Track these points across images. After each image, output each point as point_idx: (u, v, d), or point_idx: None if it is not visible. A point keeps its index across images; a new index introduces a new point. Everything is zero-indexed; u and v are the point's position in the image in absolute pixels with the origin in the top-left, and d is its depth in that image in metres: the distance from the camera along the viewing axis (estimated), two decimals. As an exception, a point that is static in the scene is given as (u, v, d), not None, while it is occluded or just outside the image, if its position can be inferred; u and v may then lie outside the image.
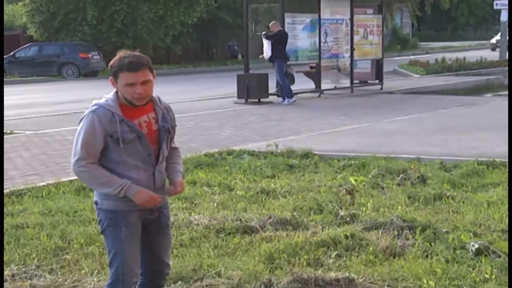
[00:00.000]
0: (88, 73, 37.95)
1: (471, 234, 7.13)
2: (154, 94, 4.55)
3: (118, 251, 4.50)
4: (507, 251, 6.60)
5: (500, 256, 6.49)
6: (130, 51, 4.40)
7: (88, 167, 4.43)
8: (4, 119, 18.39)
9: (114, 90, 4.43)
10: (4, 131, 16.11)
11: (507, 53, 39.61)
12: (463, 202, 8.70)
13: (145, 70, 4.31)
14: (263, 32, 21.28)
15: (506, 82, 28.74)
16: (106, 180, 4.41)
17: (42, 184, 10.30)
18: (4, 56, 38.50)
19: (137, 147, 4.36)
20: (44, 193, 9.73)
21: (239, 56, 39.48)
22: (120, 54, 4.36)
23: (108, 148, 4.37)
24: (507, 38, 41.07)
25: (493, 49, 51.53)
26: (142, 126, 4.40)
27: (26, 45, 40.45)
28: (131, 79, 4.27)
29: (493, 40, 54.67)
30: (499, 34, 43.88)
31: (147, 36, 42.05)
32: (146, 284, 4.73)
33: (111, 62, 4.38)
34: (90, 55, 38.20)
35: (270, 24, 21.58)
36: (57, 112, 21.16)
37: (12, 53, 39.02)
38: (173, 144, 4.71)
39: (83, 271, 6.47)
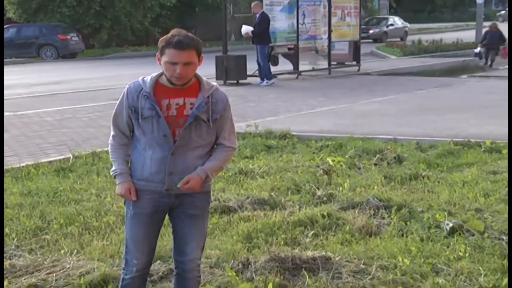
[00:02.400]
0: (67, 54, 37.80)
1: (445, 213, 7.20)
2: (214, 83, 4.46)
3: (125, 228, 4.56)
4: (480, 229, 6.67)
5: (473, 235, 6.55)
6: (185, 31, 4.27)
7: (111, 144, 4.48)
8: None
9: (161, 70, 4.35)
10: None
11: (482, 33, 39.76)
12: (438, 182, 8.77)
13: (191, 51, 4.17)
14: (251, 30, 21.12)
15: (481, 63, 28.94)
16: (112, 161, 4.48)
17: (21, 165, 10.28)
18: (-17, 38, 38.53)
19: (153, 125, 4.26)
20: (23, 174, 9.72)
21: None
22: (173, 31, 4.25)
23: (133, 123, 4.34)
24: (482, 19, 41.24)
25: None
26: (171, 107, 4.27)
27: (4, 27, 40.03)
28: (175, 58, 4.14)
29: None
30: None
31: (125, 18, 41.93)
32: (176, 278, 4.67)
33: (161, 38, 4.30)
34: (68, 37, 38.04)
35: (252, 5, 21.56)
36: (35, 93, 21.03)
37: (-9, 34, 38.78)
38: (222, 140, 4.47)
39: (62, 251, 6.46)
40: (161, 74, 4.33)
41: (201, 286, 4.91)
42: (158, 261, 5.93)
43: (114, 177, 4.48)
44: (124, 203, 4.54)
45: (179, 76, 4.19)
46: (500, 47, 29.81)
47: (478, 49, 30.72)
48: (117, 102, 4.40)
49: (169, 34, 4.22)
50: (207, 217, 4.74)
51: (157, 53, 4.32)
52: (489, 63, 29.40)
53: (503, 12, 68.15)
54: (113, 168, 4.46)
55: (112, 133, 4.45)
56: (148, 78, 4.33)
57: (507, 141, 11.07)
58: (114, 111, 4.41)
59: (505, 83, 21.06)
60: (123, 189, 4.40)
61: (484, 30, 39.66)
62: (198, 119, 4.29)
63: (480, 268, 5.70)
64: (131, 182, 4.41)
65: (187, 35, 4.21)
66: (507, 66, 27.76)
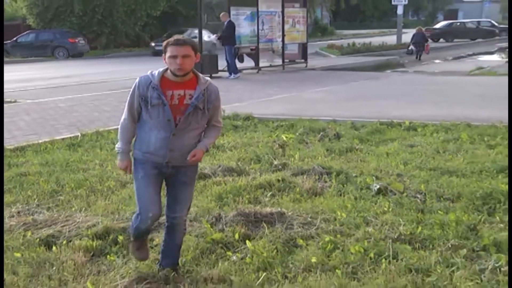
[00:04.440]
0: (75, 54, 37.36)
1: (374, 177, 7.24)
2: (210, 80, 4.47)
3: (137, 190, 4.47)
4: (401, 190, 6.72)
5: (395, 194, 6.60)
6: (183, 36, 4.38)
7: (121, 123, 4.44)
8: (9, 91, 18.12)
9: (166, 66, 4.32)
10: (9, 100, 15.91)
11: (402, 37, 40.05)
12: (368, 153, 8.82)
13: (187, 47, 4.20)
14: (217, 36, 21.10)
15: (402, 61, 29.14)
16: (118, 138, 4.46)
17: (40, 141, 10.20)
18: (8, 41, 38.02)
19: (159, 112, 4.25)
20: (41, 148, 9.64)
21: None
22: (175, 36, 4.31)
23: (142, 109, 4.30)
24: (402, 26, 41.47)
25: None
26: (174, 97, 4.27)
27: (25, 32, 39.64)
28: (175, 51, 4.17)
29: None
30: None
31: (121, 25, 41.71)
32: (166, 230, 4.66)
33: (165, 41, 4.32)
34: (77, 40, 37.70)
35: (221, 14, 21.57)
36: (51, 85, 20.72)
37: (14, 38, 38.49)
38: (214, 122, 4.52)
39: (73, 209, 6.44)
40: (166, 69, 4.32)
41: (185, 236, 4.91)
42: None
43: (117, 153, 4.48)
44: (133, 171, 4.50)
45: (180, 67, 4.20)
46: (424, 44, 30.88)
47: (410, 47, 31.46)
48: (130, 92, 4.37)
49: (171, 38, 4.28)
50: (194, 184, 4.74)
51: (163, 55, 4.33)
52: (417, 57, 30.32)
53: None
54: (118, 145, 4.46)
55: (124, 116, 4.41)
56: (156, 72, 4.32)
57: (421, 121, 11.19)
58: (128, 100, 4.38)
59: (419, 76, 21.29)
60: (123, 165, 4.46)
61: (403, 35, 40.21)
62: (196, 107, 4.31)
63: (400, 220, 5.74)
64: (130, 160, 4.47)
65: (184, 37, 4.31)
66: (427, 62, 28.13)
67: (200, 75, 4.43)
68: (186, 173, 4.50)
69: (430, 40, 35.12)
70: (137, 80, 4.35)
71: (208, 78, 4.47)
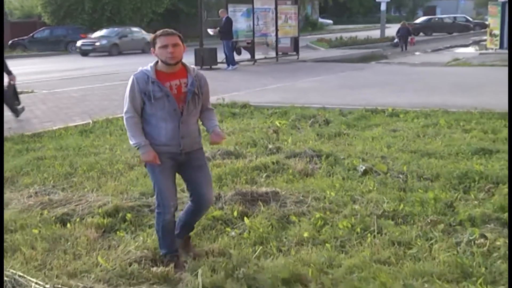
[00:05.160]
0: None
1: (360, 159, 7.24)
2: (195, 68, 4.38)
3: (156, 182, 4.33)
4: (384, 170, 6.72)
5: (380, 174, 6.61)
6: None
7: (128, 120, 4.22)
8: (27, 82, 18.07)
9: (155, 60, 4.22)
10: (26, 90, 15.87)
11: (385, 32, 39.96)
12: (355, 137, 8.81)
13: (175, 36, 4.13)
14: (217, 30, 20.99)
15: (385, 53, 29.08)
16: (131, 135, 4.23)
17: (55, 128, 10.23)
18: (25, 37, 37.92)
19: (165, 103, 4.14)
20: (56, 134, 9.65)
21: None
22: (159, 30, 4.24)
23: (145, 103, 4.16)
24: (385, 21, 41.37)
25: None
26: (172, 87, 4.17)
27: (41, 29, 39.47)
28: (165, 41, 4.09)
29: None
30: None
31: (128, 21, 41.39)
32: (193, 208, 4.50)
33: (152, 35, 4.23)
34: (88, 36, 37.40)
35: (219, 11, 21.47)
36: (64, 77, 20.68)
37: (31, 34, 38.42)
38: (209, 105, 4.47)
39: (85, 189, 6.44)
40: (156, 62, 4.22)
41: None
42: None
43: (138, 149, 4.26)
44: (145, 166, 4.39)
45: (171, 56, 4.11)
46: (408, 37, 32.08)
47: (395, 40, 32.56)
48: (128, 90, 4.21)
49: (157, 31, 4.20)
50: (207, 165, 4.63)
51: (151, 48, 4.24)
52: (403, 49, 31.03)
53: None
54: (135, 141, 4.21)
55: (129, 113, 4.20)
56: (148, 68, 4.21)
57: (403, 108, 11.19)
58: (128, 98, 4.20)
59: (401, 67, 21.26)
60: (150, 156, 4.19)
61: (386, 30, 40.13)
62: (194, 93, 4.24)
63: (384, 198, 5.75)
64: (153, 150, 4.23)
65: (170, 29, 4.25)
66: (409, 54, 28.06)
67: (187, 64, 4.34)
68: (199, 157, 4.40)
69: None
70: (132, 77, 4.20)
71: (195, 67, 4.40)
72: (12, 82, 11.05)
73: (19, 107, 11.45)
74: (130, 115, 4.22)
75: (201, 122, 4.52)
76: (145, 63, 4.32)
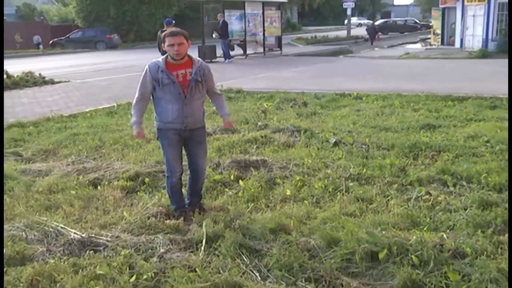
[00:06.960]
0: (112, 46, 36.60)
1: (331, 133, 7.22)
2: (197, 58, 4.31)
3: (165, 153, 4.32)
4: (351, 142, 6.71)
5: (347, 145, 6.59)
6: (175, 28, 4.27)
7: (135, 104, 4.23)
8: (64, 73, 17.89)
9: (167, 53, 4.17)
10: (65, 80, 15.73)
11: (350, 32, 39.66)
12: (327, 116, 8.79)
13: (181, 36, 4.06)
14: (218, 34, 20.79)
15: (351, 49, 28.90)
16: (132, 114, 4.25)
17: (86, 110, 10.12)
18: (63, 37, 37.46)
19: (171, 88, 4.11)
20: (88, 115, 9.56)
21: (40, 47, 34.86)
22: (168, 29, 4.18)
23: (155, 88, 4.14)
24: (351, 23, 41.06)
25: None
26: (178, 76, 4.12)
27: (75, 31, 38.81)
28: (171, 41, 4.04)
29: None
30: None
31: (145, 24, 41.09)
32: (191, 175, 4.49)
33: (162, 34, 4.17)
34: (113, 36, 36.99)
35: (218, 15, 21.22)
36: (94, 69, 20.45)
37: (67, 35, 37.79)
38: (216, 91, 4.42)
39: (112, 159, 6.39)
40: (167, 56, 4.17)
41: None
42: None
43: (132, 126, 4.32)
44: (157, 138, 4.35)
45: (177, 53, 4.08)
46: (375, 35, 33.86)
47: (366, 37, 34.39)
48: (141, 77, 4.19)
49: (166, 31, 4.13)
50: (206, 142, 4.57)
51: (162, 44, 4.21)
52: (372, 43, 32.48)
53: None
54: (132, 120, 4.24)
55: (136, 96, 4.20)
56: (160, 59, 4.18)
57: (365, 92, 11.16)
58: (140, 83, 4.18)
59: (363, 60, 21.15)
60: (135, 132, 4.25)
61: (351, 30, 39.81)
62: (197, 81, 4.18)
63: (351, 164, 5.75)
64: (142, 128, 4.26)
65: (177, 29, 4.18)
66: (369, 50, 27.91)
67: (193, 57, 4.28)
68: (200, 134, 4.36)
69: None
70: (146, 66, 4.18)
71: (199, 59, 4.34)
72: None
73: None
74: (137, 101, 4.23)
75: (214, 107, 4.57)
76: (155, 58, 4.27)
